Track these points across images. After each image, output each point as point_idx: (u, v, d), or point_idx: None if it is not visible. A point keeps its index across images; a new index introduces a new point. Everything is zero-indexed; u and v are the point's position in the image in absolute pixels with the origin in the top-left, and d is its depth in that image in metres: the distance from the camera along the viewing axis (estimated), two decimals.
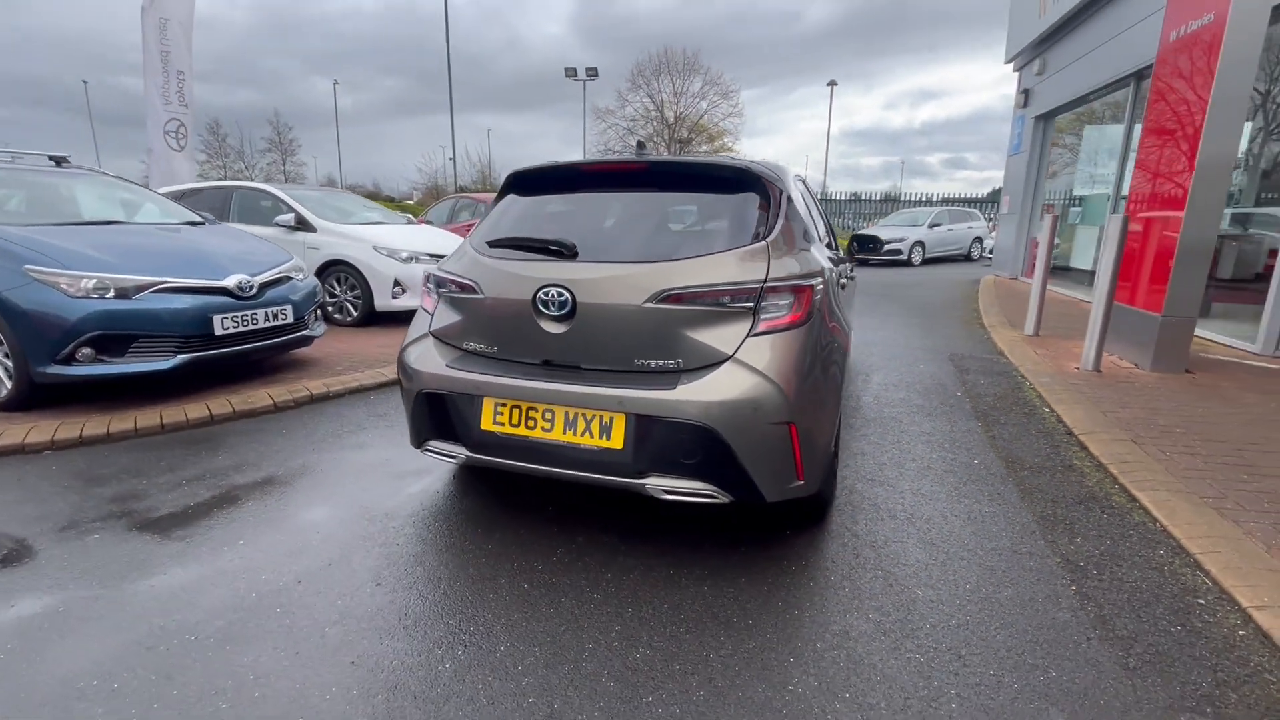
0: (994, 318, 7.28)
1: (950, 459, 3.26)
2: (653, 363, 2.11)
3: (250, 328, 3.97)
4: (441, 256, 6.61)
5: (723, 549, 2.35)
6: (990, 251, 16.68)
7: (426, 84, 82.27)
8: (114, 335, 3.47)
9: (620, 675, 1.72)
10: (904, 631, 1.90)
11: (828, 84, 32.67)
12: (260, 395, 3.92)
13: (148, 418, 3.49)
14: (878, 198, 33.21)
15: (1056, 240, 10.95)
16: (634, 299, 2.08)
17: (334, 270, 6.28)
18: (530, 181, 2.72)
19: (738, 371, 2.01)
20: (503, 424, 2.23)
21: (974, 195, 33.22)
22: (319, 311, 4.72)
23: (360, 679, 1.70)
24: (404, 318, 6.59)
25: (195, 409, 3.65)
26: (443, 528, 2.50)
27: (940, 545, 2.40)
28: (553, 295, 2.14)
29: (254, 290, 4.01)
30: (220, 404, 3.73)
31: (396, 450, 3.30)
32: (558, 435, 2.16)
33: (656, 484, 2.07)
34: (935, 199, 30.99)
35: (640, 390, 2.04)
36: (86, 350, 3.41)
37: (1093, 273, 8.93)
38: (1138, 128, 7.82)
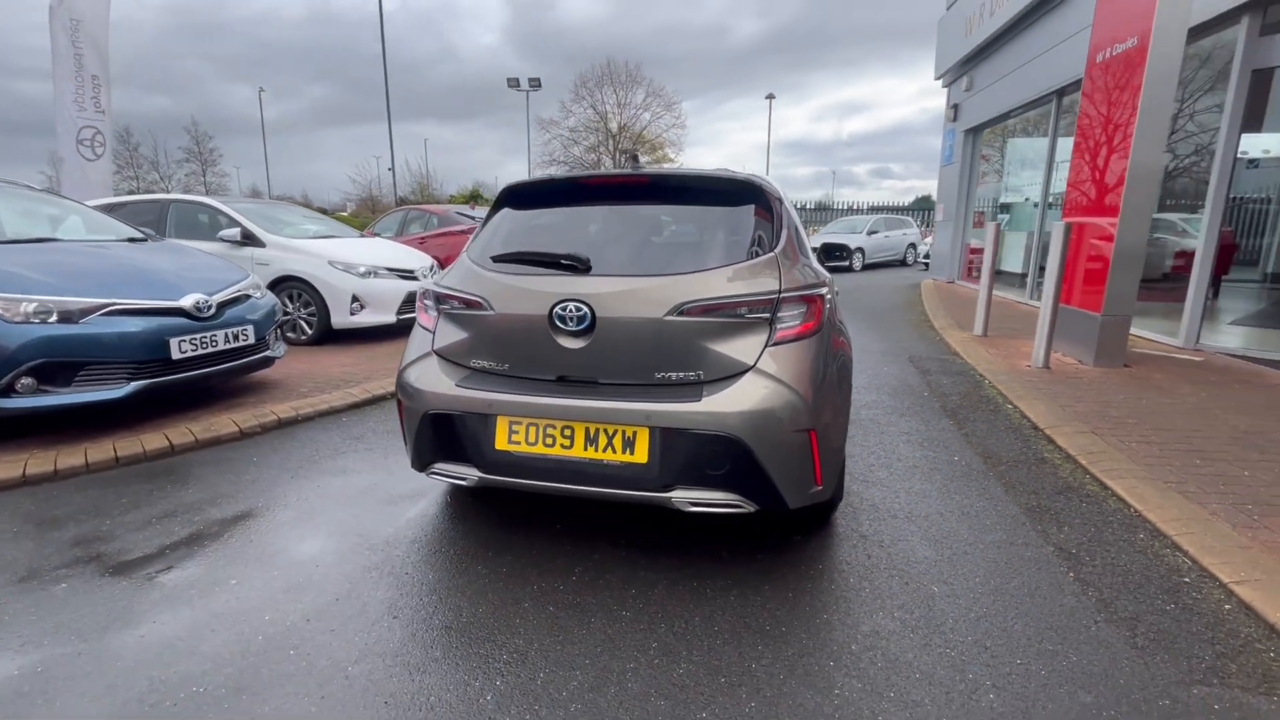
0: (943, 320, 7.65)
1: (933, 457, 3.40)
2: (674, 375, 2.11)
3: (210, 350, 3.72)
4: (405, 271, 6.42)
5: (741, 558, 2.37)
6: (925, 257, 17.55)
7: (356, 92, 79.56)
8: (59, 363, 3.18)
9: (668, 693, 1.70)
10: (930, 628, 1.97)
11: (766, 97, 33.72)
12: (223, 422, 3.67)
13: (100, 451, 3.21)
14: (811, 206, 34.44)
15: (984, 244, 11.69)
16: (655, 312, 2.08)
17: (286, 287, 5.97)
18: (527, 195, 2.68)
19: (761, 381, 2.04)
20: (519, 443, 2.17)
21: (900, 204, 34.95)
22: (279, 331, 4.47)
23: None
24: (363, 335, 6.35)
25: (152, 439, 3.38)
26: (451, 553, 2.41)
27: (944, 541, 2.50)
28: (570, 310, 2.11)
29: (212, 310, 3.77)
30: (180, 433, 3.48)
31: (383, 475, 3.16)
32: (578, 452, 2.12)
33: (682, 496, 2.07)
34: (864, 207, 32.44)
35: (665, 404, 2.04)
36: (27, 380, 3.11)
37: (1023, 275, 9.57)
38: (1060, 141, 8.45)
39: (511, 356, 2.26)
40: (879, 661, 1.82)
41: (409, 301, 6.38)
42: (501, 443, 2.19)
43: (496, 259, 2.37)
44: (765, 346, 2.09)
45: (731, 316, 2.09)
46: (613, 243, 2.39)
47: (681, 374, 2.11)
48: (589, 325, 2.11)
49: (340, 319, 5.99)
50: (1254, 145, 6.74)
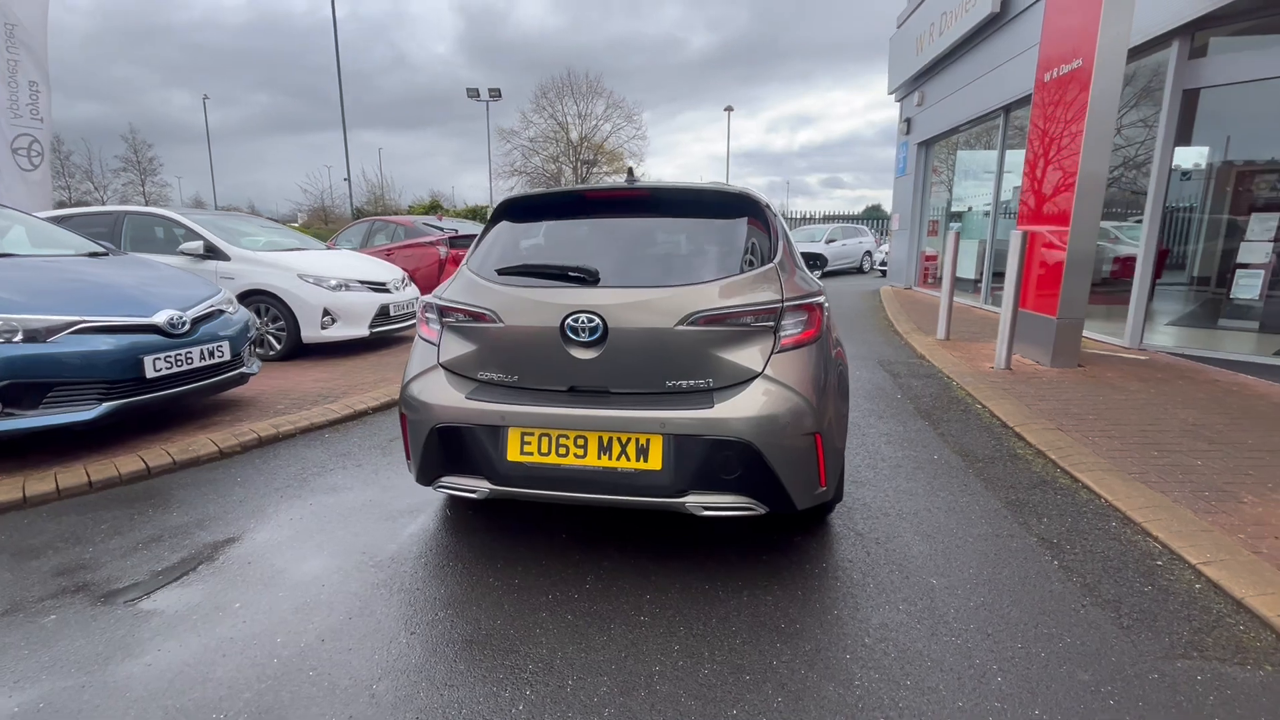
0: (905, 325, 7.95)
1: (914, 456, 3.55)
2: (684, 383, 2.17)
3: (185, 368, 3.60)
4: (377, 284, 6.31)
5: (748, 559, 2.43)
6: (881, 264, 18.16)
7: (303, 100, 77.42)
8: (25, 384, 3.02)
9: (697, 693, 1.74)
10: (934, 618, 2.07)
11: (724, 109, 34.43)
12: (201, 441, 3.55)
13: (71, 476, 3.06)
14: None
15: (938, 251, 12.21)
16: (666, 322, 2.13)
17: (252, 301, 5.79)
18: (525, 209, 2.71)
19: (770, 387, 2.12)
20: (531, 454, 2.19)
21: (851, 213, 36.10)
22: (252, 347, 4.35)
23: None
24: (332, 349, 6.21)
25: (127, 462, 3.24)
26: (459, 566, 2.40)
27: (935, 536, 2.62)
28: (582, 321, 2.15)
29: (186, 326, 3.64)
30: (156, 454, 3.34)
31: (377, 491, 3.11)
32: (591, 461, 2.15)
33: (696, 501, 2.12)
34: (817, 216, 33.37)
35: (679, 410, 2.09)
36: None
37: (975, 281, 10.02)
38: (1009, 153, 8.92)
39: (521, 368, 2.28)
40: (892, 652, 1.90)
41: (381, 315, 6.28)
42: (514, 454, 2.20)
43: (502, 272, 2.39)
44: (771, 354, 2.17)
45: (738, 325, 2.17)
46: (616, 255, 2.44)
47: (692, 381, 2.17)
48: (601, 336, 2.15)
49: (311, 333, 5.84)
50: (1183, 158, 7.28)
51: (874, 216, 32.76)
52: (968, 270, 10.52)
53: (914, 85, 11.94)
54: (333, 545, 2.57)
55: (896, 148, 13.20)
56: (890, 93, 13.16)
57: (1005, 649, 1.91)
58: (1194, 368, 5.28)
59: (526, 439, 2.19)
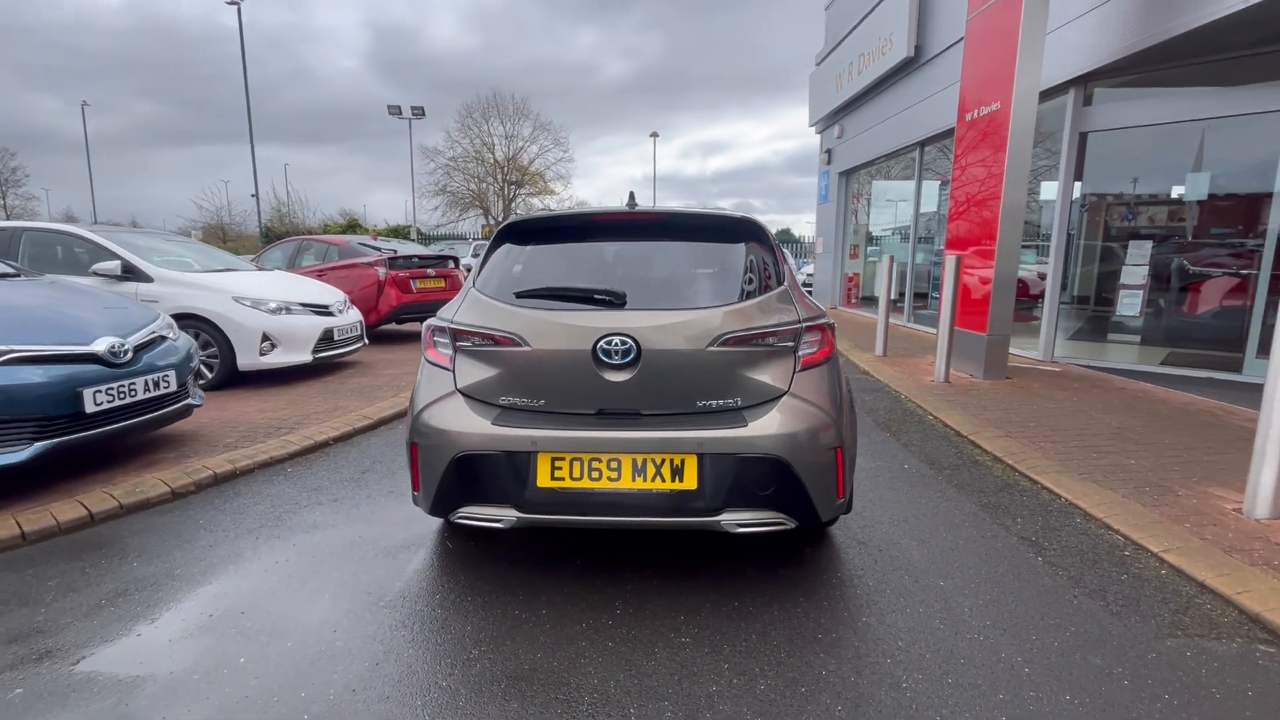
0: (843, 343, 8.39)
1: (888, 466, 3.76)
2: (714, 403, 2.22)
3: (128, 400, 3.25)
4: (319, 306, 5.96)
5: (766, 574, 2.49)
6: (805, 285, 19.08)
7: (192, 111, 71.90)
8: None
9: (760, 710, 1.76)
10: (953, 618, 2.20)
11: (650, 135, 35.26)
12: (149, 481, 3.20)
13: None
14: None
15: (859, 273, 13.03)
16: (698, 344, 2.18)
17: (180, 326, 5.29)
18: (529, 231, 2.68)
19: (796, 405, 2.20)
20: (562, 479, 2.16)
21: None
22: (195, 377, 3.99)
23: None
24: (270, 378, 5.80)
25: (64, 508, 2.87)
26: (479, 600, 2.31)
27: (929, 541, 2.79)
28: (616, 344, 2.16)
29: (129, 355, 3.30)
30: (97, 498, 2.99)
31: (363, 527, 2.93)
32: (625, 484, 2.15)
33: (731, 519, 2.16)
34: None
35: (713, 430, 2.13)
36: None
37: (896, 301, 10.75)
38: (925, 184, 9.70)
39: (548, 392, 2.24)
40: (927, 654, 2.01)
41: (325, 339, 5.93)
42: (544, 480, 2.16)
43: (521, 295, 2.35)
44: (794, 372, 2.26)
45: (763, 346, 2.25)
46: (636, 278, 2.46)
47: (721, 401, 2.22)
48: (634, 358, 2.16)
49: (248, 360, 5.42)
50: (1075, 192, 8.20)
51: (785, 240, 34.42)
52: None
53: (834, 119, 12.77)
54: (332, 588, 2.40)
55: (819, 176, 14.02)
56: (811, 125, 13.99)
57: (1023, 641, 2.07)
58: (1102, 377, 5.92)
59: (558, 464, 2.16)
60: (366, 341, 6.86)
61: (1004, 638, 2.09)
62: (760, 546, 2.70)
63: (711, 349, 2.19)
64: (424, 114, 24.77)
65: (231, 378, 5.45)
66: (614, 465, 2.15)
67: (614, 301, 2.26)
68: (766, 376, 2.24)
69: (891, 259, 7.27)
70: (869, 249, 12.47)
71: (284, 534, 2.84)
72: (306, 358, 5.73)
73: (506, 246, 2.64)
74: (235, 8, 21.87)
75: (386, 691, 1.83)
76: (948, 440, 4.25)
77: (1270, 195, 5.55)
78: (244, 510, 3.08)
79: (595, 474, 2.15)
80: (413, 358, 7.34)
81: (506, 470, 2.18)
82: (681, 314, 2.23)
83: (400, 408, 4.87)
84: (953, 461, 3.84)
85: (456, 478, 2.23)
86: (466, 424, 2.21)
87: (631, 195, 2.93)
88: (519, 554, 2.65)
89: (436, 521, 2.94)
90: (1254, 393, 5.21)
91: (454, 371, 2.34)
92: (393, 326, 9.23)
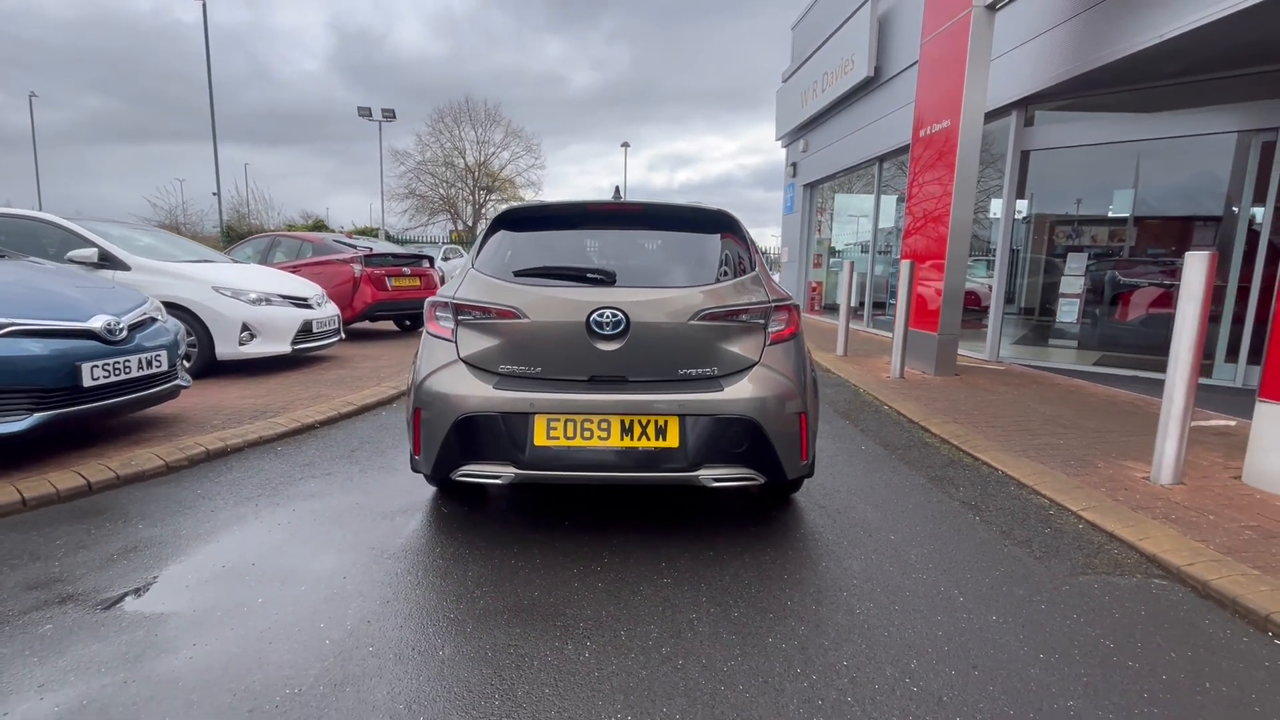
0: (808, 344, 8.78)
1: (846, 448, 4.08)
2: (693, 371, 2.48)
3: (123, 376, 3.34)
4: (299, 299, 6.04)
5: (738, 530, 2.75)
6: None
7: (145, 108, 69.12)
8: None
9: (733, 629, 2.02)
10: (901, 562, 2.50)
11: (621, 145, 35.76)
12: (143, 456, 3.29)
13: None
14: None
15: (821, 281, 13.58)
16: (680, 318, 2.44)
17: None
18: (523, 219, 2.91)
19: (766, 373, 2.49)
20: (557, 438, 2.39)
21: None
22: (182, 359, 4.07)
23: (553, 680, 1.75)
24: (247, 367, 5.84)
25: (62, 477, 2.96)
26: (477, 554, 2.50)
27: (882, 506, 3.10)
28: (607, 316, 2.40)
29: (124, 333, 3.40)
30: (95, 469, 3.07)
31: (360, 495, 3.09)
32: (614, 442, 2.39)
33: (708, 474, 2.42)
34: None
35: (693, 394, 2.39)
36: None
37: (856, 308, 11.27)
38: (884, 197, 10.24)
39: (544, 360, 2.47)
40: (877, 589, 2.30)
41: (304, 331, 6.01)
42: (540, 439, 2.38)
43: (519, 273, 2.58)
44: (764, 346, 2.55)
45: (736, 321, 2.53)
46: (624, 260, 2.72)
47: (700, 370, 2.49)
48: (623, 330, 2.42)
49: (227, 350, 5.47)
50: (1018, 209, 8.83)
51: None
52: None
53: (799, 134, 13.33)
54: (336, 544, 2.57)
55: (785, 188, 14.57)
56: (777, 139, 14.55)
57: (959, 579, 2.38)
58: (1042, 375, 6.42)
59: (553, 424, 2.39)
60: (343, 335, 6.93)
61: (943, 577, 2.39)
62: (733, 509, 2.96)
63: (692, 323, 2.45)
64: (395, 116, 24.66)
65: (209, 367, 5.48)
66: (604, 426, 2.39)
67: (605, 280, 2.52)
68: (739, 348, 2.52)
69: (852, 264, 7.70)
70: (831, 260, 13.03)
71: (283, 501, 2.99)
72: (285, 349, 5.80)
73: (502, 233, 2.87)
74: (200, 3, 21.47)
75: (400, 622, 2.03)
76: (900, 426, 4.61)
77: (1191, 216, 6.15)
78: (239, 483, 3.21)
79: (587, 434, 2.39)
80: (389, 353, 7.43)
81: (505, 431, 2.40)
82: (666, 291, 2.49)
83: (383, 396, 5.00)
84: (905, 443, 4.19)
85: (458, 438, 2.43)
86: (469, 389, 2.43)
87: (617, 189, 3.19)
88: (510, 516, 2.85)
89: (430, 491, 3.13)
90: None
91: (456, 342, 2.55)
92: (366, 324, 9.28)
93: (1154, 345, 6.59)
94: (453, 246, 22.70)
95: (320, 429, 4.20)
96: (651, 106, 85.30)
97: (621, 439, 2.39)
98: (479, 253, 2.80)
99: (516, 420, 2.39)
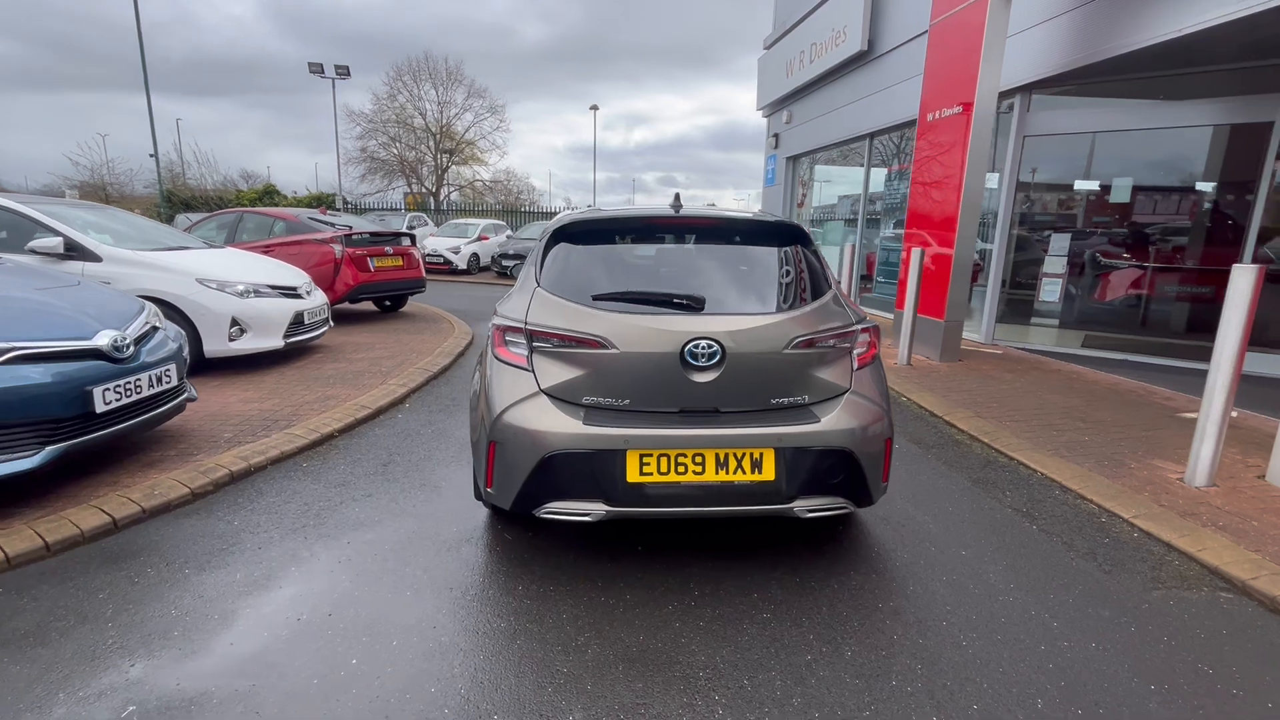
0: None
1: None
2: (785, 400, 2.41)
3: (135, 397, 3.05)
4: (288, 289, 5.65)
5: (812, 553, 2.73)
6: None
7: (53, 53, 62.56)
8: None
9: (856, 672, 2.00)
10: (985, 584, 2.53)
11: (590, 108, 34.70)
12: (165, 483, 3.04)
13: (18, 540, 2.50)
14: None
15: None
16: (775, 346, 2.35)
17: None
18: (583, 231, 2.73)
19: (858, 401, 2.43)
20: (650, 474, 2.29)
21: None
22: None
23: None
24: (237, 364, 5.48)
25: (83, 515, 2.70)
26: (563, 590, 2.41)
27: (939, 516, 3.13)
28: (703, 347, 2.29)
29: (131, 349, 3.09)
30: (116, 503, 2.82)
31: (413, 522, 2.94)
32: (709, 476, 2.31)
33: (803, 505, 2.37)
34: None
35: (788, 426, 2.32)
36: None
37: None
38: (874, 171, 10.21)
39: (634, 392, 2.35)
40: (973, 615, 2.31)
41: (296, 323, 5.65)
42: (633, 475, 2.28)
43: (599, 298, 2.43)
44: (853, 370, 2.49)
45: (826, 347, 2.45)
46: (701, 280, 2.59)
47: (791, 399, 2.41)
48: (719, 360, 2.31)
49: (216, 346, 5.10)
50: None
51: None
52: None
53: (782, 105, 13.12)
54: (409, 584, 2.43)
55: (765, 160, 14.39)
56: (759, 109, 14.29)
57: (1044, 600, 2.42)
58: (1038, 360, 6.61)
59: (645, 460, 2.28)
60: (332, 324, 6.57)
61: (1029, 599, 2.44)
62: (799, 525, 2.94)
63: (786, 351, 2.37)
64: (349, 74, 23.02)
65: (197, 365, 5.10)
66: (699, 460, 2.30)
67: (694, 306, 2.39)
68: (829, 375, 2.45)
69: (853, 247, 7.70)
70: (815, 233, 13.02)
71: (331, 532, 2.81)
72: (278, 343, 5.45)
73: (563, 246, 2.69)
74: None
75: (514, 681, 1.93)
76: (924, 420, 4.68)
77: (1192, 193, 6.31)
78: (276, 510, 3.00)
79: (681, 468, 2.30)
80: (379, 340, 7.10)
81: (595, 467, 2.28)
82: (759, 319, 2.39)
83: (394, 396, 4.77)
84: (935, 440, 4.25)
85: (544, 476, 2.30)
86: (556, 424, 2.29)
87: (677, 196, 3.03)
88: (579, 543, 2.76)
89: (483, 514, 3.00)
90: (1165, 374, 6.00)
91: (534, 372, 2.40)
92: (345, 305, 8.83)
93: (1141, 326, 6.85)
94: (416, 214, 21.71)
95: (340, 439, 3.97)
96: (605, 63, 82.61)
97: (717, 473, 2.31)
98: (541, 268, 2.63)
99: (608, 456, 2.27)
